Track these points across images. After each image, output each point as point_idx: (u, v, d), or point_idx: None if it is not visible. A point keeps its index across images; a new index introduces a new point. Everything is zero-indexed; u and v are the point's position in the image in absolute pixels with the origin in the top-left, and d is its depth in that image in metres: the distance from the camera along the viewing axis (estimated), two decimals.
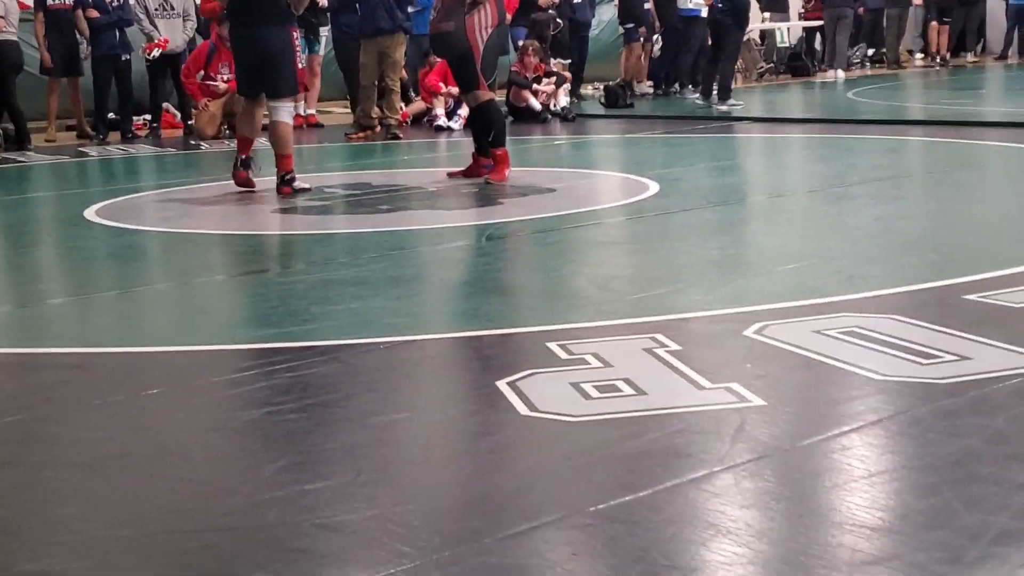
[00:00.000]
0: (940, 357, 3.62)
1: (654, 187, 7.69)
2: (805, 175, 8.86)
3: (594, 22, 16.88)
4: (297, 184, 8.04)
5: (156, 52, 12.45)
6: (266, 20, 7.84)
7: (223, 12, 10.18)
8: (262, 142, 8.72)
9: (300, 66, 8.17)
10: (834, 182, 7.99)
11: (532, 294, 5.02)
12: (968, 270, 4.81)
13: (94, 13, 12.38)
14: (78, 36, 12.62)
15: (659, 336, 3.94)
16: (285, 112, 8.08)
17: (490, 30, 8.12)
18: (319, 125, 13.40)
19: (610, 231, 6.52)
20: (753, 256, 5.63)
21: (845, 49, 18.48)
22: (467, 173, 8.50)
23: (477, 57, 8.12)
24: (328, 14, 13.28)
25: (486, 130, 8.38)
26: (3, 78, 11.78)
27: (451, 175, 8.62)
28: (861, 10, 19.63)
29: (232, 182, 8.23)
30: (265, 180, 8.27)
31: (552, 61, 13.74)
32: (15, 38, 11.88)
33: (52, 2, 12.49)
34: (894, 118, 11.95)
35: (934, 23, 20.15)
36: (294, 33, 8.01)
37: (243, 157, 8.17)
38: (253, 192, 8.11)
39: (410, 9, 12.51)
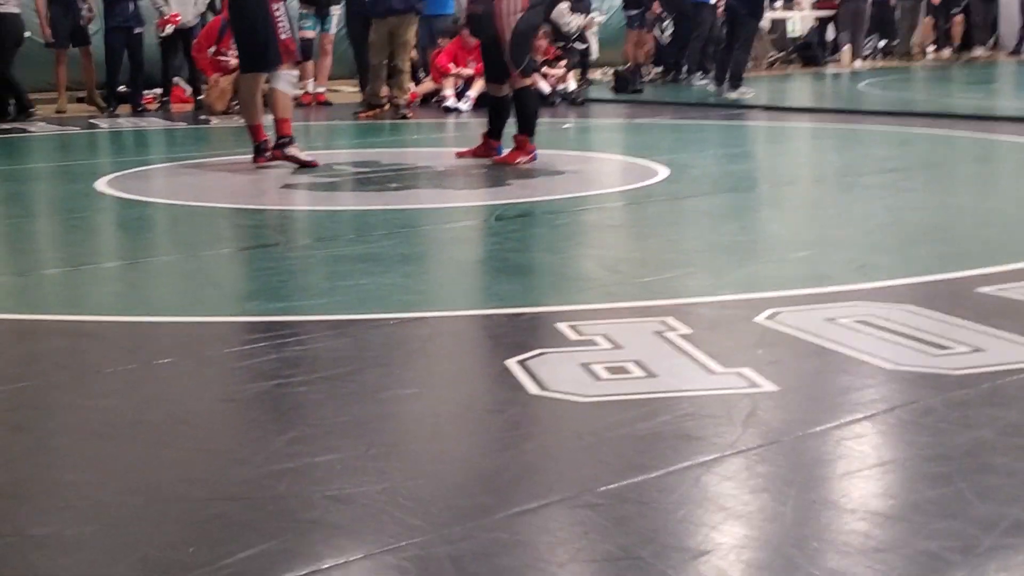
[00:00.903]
0: (953, 348, 3.61)
1: (663, 172, 7.68)
2: (815, 164, 8.84)
3: (604, 7, 16.84)
4: (291, 151, 8.07)
5: (170, 28, 12.42)
6: None
7: None
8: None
9: (283, 36, 8.06)
10: (845, 172, 7.97)
11: (541, 274, 5.01)
12: (981, 262, 4.80)
13: None
14: (80, 5, 12.54)
15: (669, 319, 3.93)
16: (281, 81, 8.11)
17: (519, 15, 7.98)
18: (328, 103, 13.37)
19: (619, 214, 6.51)
20: (764, 243, 5.62)
21: (861, 41, 18.46)
22: (476, 153, 8.48)
23: (503, 42, 8.02)
24: None
25: (516, 115, 8.28)
26: (2, 51, 11.73)
27: (460, 155, 8.60)
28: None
29: (253, 160, 8.20)
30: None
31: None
32: (17, 10, 11.82)
33: None
34: (905, 110, 11.91)
35: (928, 19, 20.12)
36: (274, 5, 7.96)
37: (256, 143, 8.16)
38: (268, 167, 8.11)
39: None
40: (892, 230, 5.76)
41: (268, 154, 8.08)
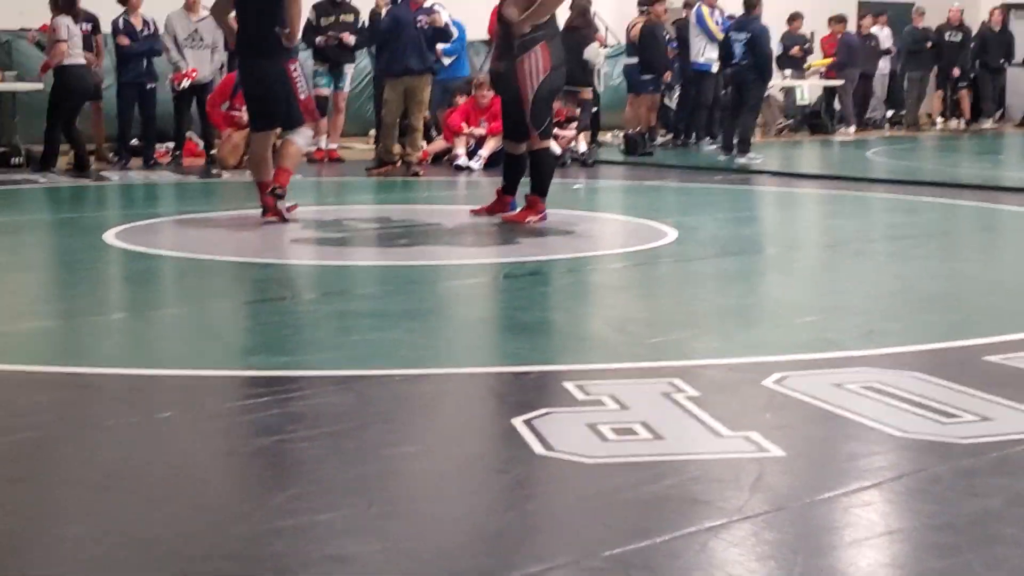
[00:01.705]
0: (961, 417, 3.58)
1: (672, 234, 7.67)
2: (823, 230, 8.84)
3: (614, 72, 16.92)
4: (283, 205, 7.98)
5: (186, 83, 12.48)
6: (259, 53, 7.95)
7: None
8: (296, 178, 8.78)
9: (302, 96, 8.09)
10: (852, 238, 7.96)
11: (549, 333, 4.99)
12: (989, 331, 4.77)
13: (125, 40, 12.42)
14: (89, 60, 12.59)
15: (677, 381, 3.91)
16: (299, 136, 8.12)
17: (542, 76, 7.97)
18: (340, 160, 13.42)
19: (628, 275, 6.50)
20: (772, 306, 5.60)
21: (850, 107, 18.62)
22: (491, 210, 8.48)
23: (526, 104, 8.00)
24: (354, 52, 13.37)
25: (531, 175, 8.30)
26: (68, 103, 11.62)
27: (475, 212, 8.60)
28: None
29: (262, 215, 8.16)
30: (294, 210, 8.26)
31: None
32: (82, 61, 11.79)
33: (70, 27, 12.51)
34: (913, 179, 11.92)
35: (939, 91, 20.25)
36: (291, 66, 8.01)
37: (263, 201, 8.11)
38: (276, 222, 8.04)
39: (445, 60, 12.65)
40: (900, 297, 5.75)
41: (263, 204, 8.02)
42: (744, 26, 13.44)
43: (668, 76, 15.18)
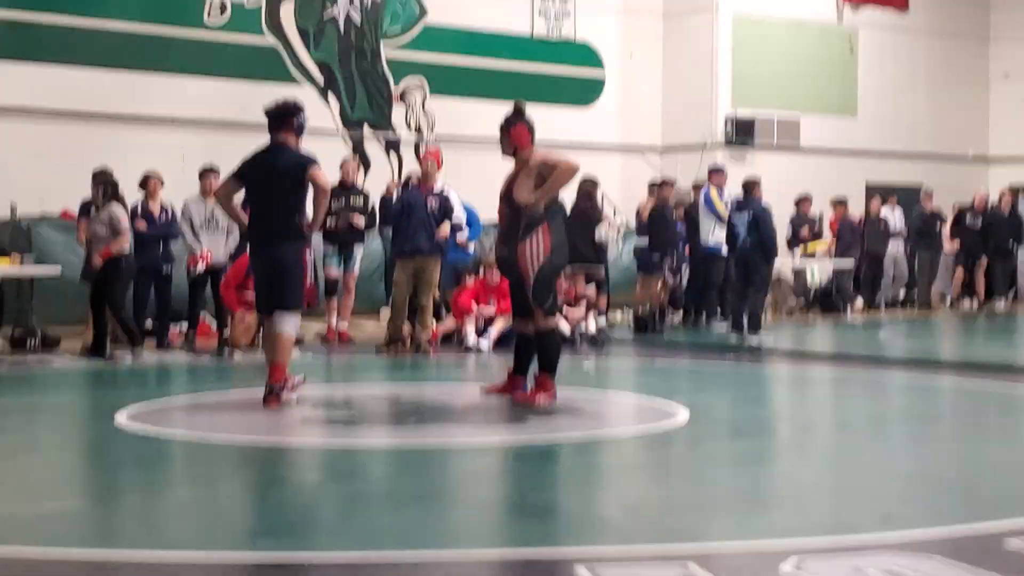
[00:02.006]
0: None
1: (684, 414, 7.64)
2: (837, 411, 8.79)
3: (624, 250, 17.14)
4: (286, 396, 7.87)
5: (201, 266, 12.64)
6: (277, 239, 8.00)
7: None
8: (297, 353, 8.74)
9: (309, 283, 8.21)
10: (866, 419, 7.92)
11: (560, 515, 4.93)
12: (1008, 513, 4.70)
13: (143, 225, 12.64)
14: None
15: (691, 565, 3.84)
16: (287, 323, 8.05)
17: (543, 258, 8.14)
18: (351, 340, 13.48)
19: (640, 455, 6.45)
20: (787, 488, 5.53)
21: (849, 288, 18.82)
22: (502, 390, 8.49)
23: (527, 283, 8.15)
24: (364, 233, 13.59)
25: (538, 355, 8.34)
26: (122, 287, 11.76)
27: (487, 391, 8.60)
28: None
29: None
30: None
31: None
32: (127, 250, 11.92)
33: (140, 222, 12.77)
34: (927, 359, 11.93)
35: (950, 271, 20.44)
36: (306, 251, 8.12)
37: (274, 384, 7.93)
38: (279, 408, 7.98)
39: (460, 237, 12.87)
40: (917, 479, 5.68)
41: (265, 404, 7.87)
42: (745, 207, 13.65)
43: (667, 262, 15.37)
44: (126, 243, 11.64)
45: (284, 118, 8.21)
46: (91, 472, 6.14)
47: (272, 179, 8.07)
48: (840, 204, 19.30)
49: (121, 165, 13.50)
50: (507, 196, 8.29)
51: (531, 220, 8.14)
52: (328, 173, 8.49)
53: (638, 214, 16.08)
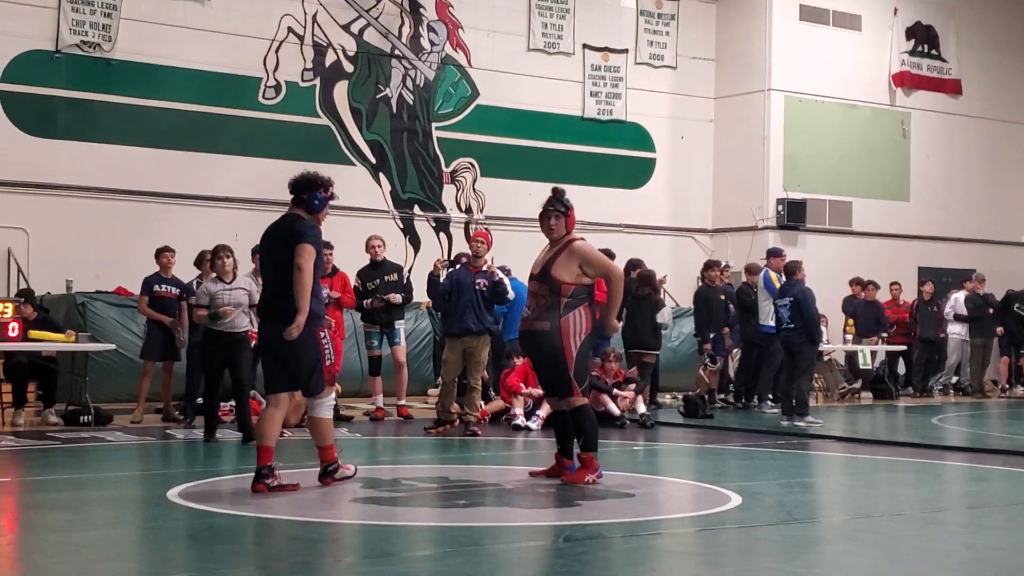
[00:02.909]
0: None
1: (735, 499, 7.57)
2: (890, 498, 8.67)
3: (674, 333, 17.10)
4: (340, 474, 7.99)
5: (252, 344, 12.74)
6: (280, 317, 7.67)
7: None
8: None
9: (328, 363, 7.91)
10: (921, 507, 7.81)
11: None
12: None
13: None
14: (176, 328, 12.95)
15: None
16: (322, 407, 7.96)
17: (584, 335, 8.25)
18: (410, 417, 13.43)
19: (692, 541, 6.39)
20: None
21: (930, 377, 18.68)
22: (550, 473, 8.46)
23: (570, 361, 8.20)
24: (403, 308, 13.62)
25: (576, 433, 8.34)
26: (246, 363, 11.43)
27: (533, 474, 8.58)
28: (943, 335, 19.74)
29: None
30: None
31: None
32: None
33: (159, 289, 12.95)
34: (979, 446, 11.76)
35: (1004, 358, 20.26)
36: (320, 333, 7.79)
37: (260, 467, 7.75)
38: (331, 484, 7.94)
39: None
40: (973, 568, 5.59)
41: (321, 483, 7.87)
42: (787, 291, 13.62)
43: (708, 347, 15.31)
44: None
45: (296, 191, 7.91)
46: (143, 548, 6.15)
47: (272, 253, 7.89)
48: (856, 284, 19.06)
49: (174, 243, 13.72)
50: (543, 275, 8.34)
51: (573, 299, 8.21)
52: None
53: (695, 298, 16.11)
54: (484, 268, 12.35)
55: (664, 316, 14.09)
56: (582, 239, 8.51)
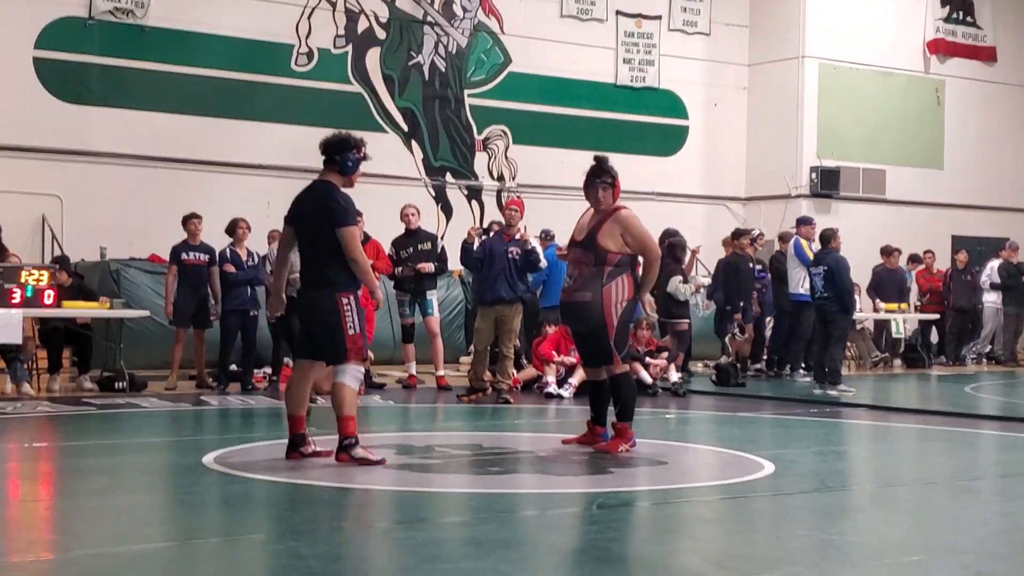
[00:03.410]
0: None
1: (768, 467, 7.57)
2: (923, 466, 8.65)
3: (706, 303, 17.04)
4: (358, 452, 7.44)
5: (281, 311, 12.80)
6: (310, 283, 7.65)
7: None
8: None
9: (351, 332, 7.56)
10: (954, 475, 7.79)
11: (644, 567, 4.90)
12: None
13: (231, 268, 12.87)
14: (210, 291, 13.04)
15: None
16: (344, 374, 7.57)
17: (625, 303, 8.22)
18: (448, 387, 13.41)
19: (724, 508, 6.39)
20: (874, 545, 5.45)
21: (964, 346, 18.53)
22: (582, 440, 8.47)
23: (611, 329, 8.18)
24: (436, 278, 13.61)
25: (614, 401, 8.34)
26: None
27: (566, 442, 8.59)
28: (980, 306, 19.59)
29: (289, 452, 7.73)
30: (380, 437, 8.29)
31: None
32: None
33: (187, 257, 13.01)
34: (1013, 415, 11.70)
35: None
36: (344, 299, 7.54)
37: (292, 436, 7.69)
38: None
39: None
40: (1008, 536, 5.57)
41: (336, 460, 7.46)
42: (821, 260, 13.55)
43: (738, 316, 15.23)
44: None
45: (327, 154, 7.71)
46: (179, 513, 6.21)
47: (306, 221, 7.69)
48: (885, 254, 18.86)
49: (207, 210, 13.79)
50: (588, 242, 8.28)
51: (617, 267, 8.18)
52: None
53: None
54: (517, 236, 12.34)
55: (673, 286, 13.96)
56: (627, 208, 8.45)
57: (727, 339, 15.21)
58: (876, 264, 18.63)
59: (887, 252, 18.57)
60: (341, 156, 7.71)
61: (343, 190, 7.72)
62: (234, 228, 13.13)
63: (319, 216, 7.61)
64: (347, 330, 7.56)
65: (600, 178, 8.36)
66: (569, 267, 8.47)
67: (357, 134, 7.87)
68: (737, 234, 15.89)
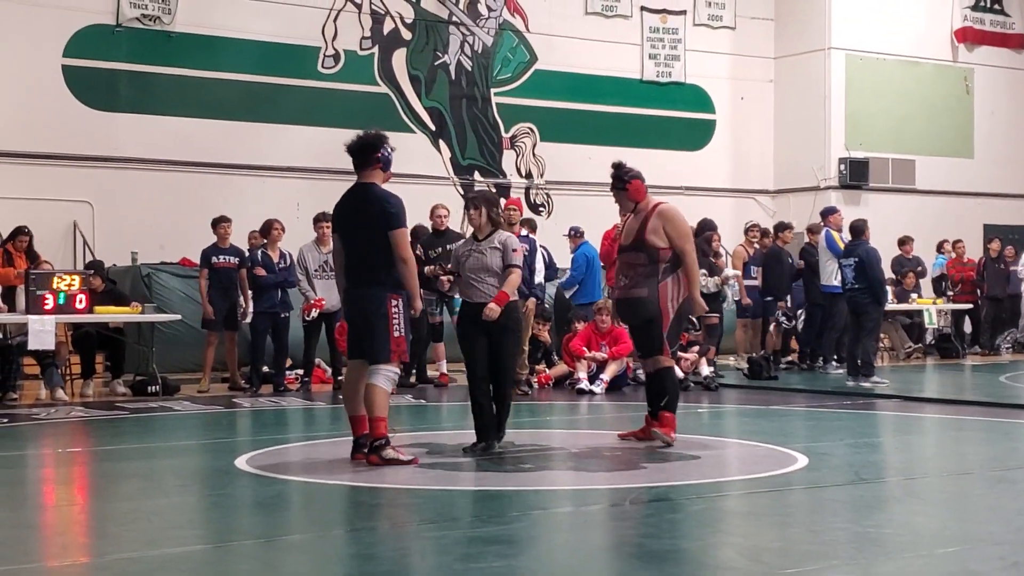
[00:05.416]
0: None
1: (802, 460, 7.53)
2: (958, 456, 8.58)
3: (731, 297, 16.96)
4: (388, 454, 7.40)
5: (315, 312, 12.86)
6: (361, 282, 7.66)
7: None
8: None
9: (396, 334, 7.57)
10: (990, 465, 7.73)
11: (678, 562, 4.88)
12: None
13: (262, 271, 12.93)
14: (240, 295, 13.09)
15: None
16: (380, 376, 7.53)
17: (681, 300, 8.34)
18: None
19: (758, 501, 6.36)
20: (910, 536, 5.41)
21: (997, 335, 18.37)
22: (640, 435, 8.48)
23: (666, 324, 8.28)
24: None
25: (661, 394, 8.37)
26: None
27: (622, 436, 8.61)
28: (1017, 293, 19.41)
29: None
30: (401, 437, 8.30)
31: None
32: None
33: (217, 260, 13.06)
34: None
35: None
36: (393, 300, 7.58)
37: (356, 438, 7.68)
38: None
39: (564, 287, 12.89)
40: None
41: (368, 462, 7.43)
42: (852, 251, 13.48)
43: (783, 305, 15.15)
44: None
45: (366, 155, 7.73)
46: (212, 515, 6.24)
47: (355, 223, 7.70)
48: (899, 243, 18.74)
49: (236, 213, 13.83)
50: (638, 244, 8.33)
51: (671, 263, 8.30)
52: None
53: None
54: (521, 233, 12.39)
55: (706, 281, 13.90)
56: (665, 202, 8.52)
57: (771, 328, 15.16)
58: (895, 255, 18.52)
59: (903, 242, 18.54)
60: (382, 152, 7.74)
61: (385, 187, 7.77)
62: (268, 229, 13.19)
63: (371, 218, 7.61)
64: (393, 331, 7.58)
65: (613, 184, 8.56)
66: (622, 269, 8.48)
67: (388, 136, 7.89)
68: (780, 227, 15.87)
